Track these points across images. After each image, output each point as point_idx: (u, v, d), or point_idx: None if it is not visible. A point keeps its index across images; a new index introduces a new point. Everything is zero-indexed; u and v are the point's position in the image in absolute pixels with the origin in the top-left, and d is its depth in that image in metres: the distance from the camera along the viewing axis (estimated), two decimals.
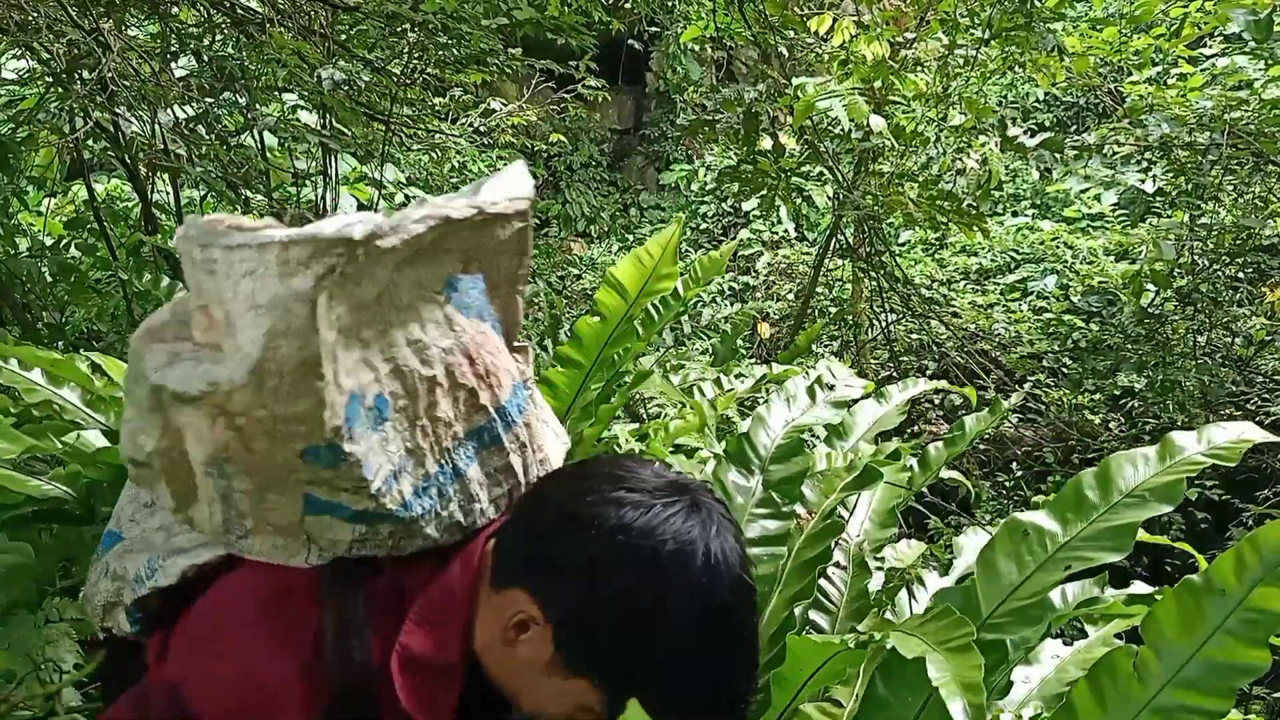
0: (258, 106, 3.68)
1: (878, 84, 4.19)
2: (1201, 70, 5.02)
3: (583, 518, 0.93)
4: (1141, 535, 1.76)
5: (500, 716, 1.01)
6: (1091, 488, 1.19)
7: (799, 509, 1.45)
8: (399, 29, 3.43)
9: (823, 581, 1.63)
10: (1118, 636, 1.53)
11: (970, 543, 1.82)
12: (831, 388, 1.80)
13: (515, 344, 1.21)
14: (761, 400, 1.82)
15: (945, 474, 2.05)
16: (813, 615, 1.57)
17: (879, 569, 1.76)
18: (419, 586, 1.01)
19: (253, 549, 1.01)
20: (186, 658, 0.99)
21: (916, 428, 5.14)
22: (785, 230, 8.48)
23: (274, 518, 0.98)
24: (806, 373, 2.28)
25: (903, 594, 1.67)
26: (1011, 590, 1.15)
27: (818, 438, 1.91)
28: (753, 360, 6.18)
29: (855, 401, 1.86)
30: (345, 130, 3.74)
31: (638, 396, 3.13)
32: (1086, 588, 1.41)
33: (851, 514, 1.80)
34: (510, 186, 1.10)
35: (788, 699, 1.16)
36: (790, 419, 1.62)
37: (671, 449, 2.57)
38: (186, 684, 0.97)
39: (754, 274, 7.91)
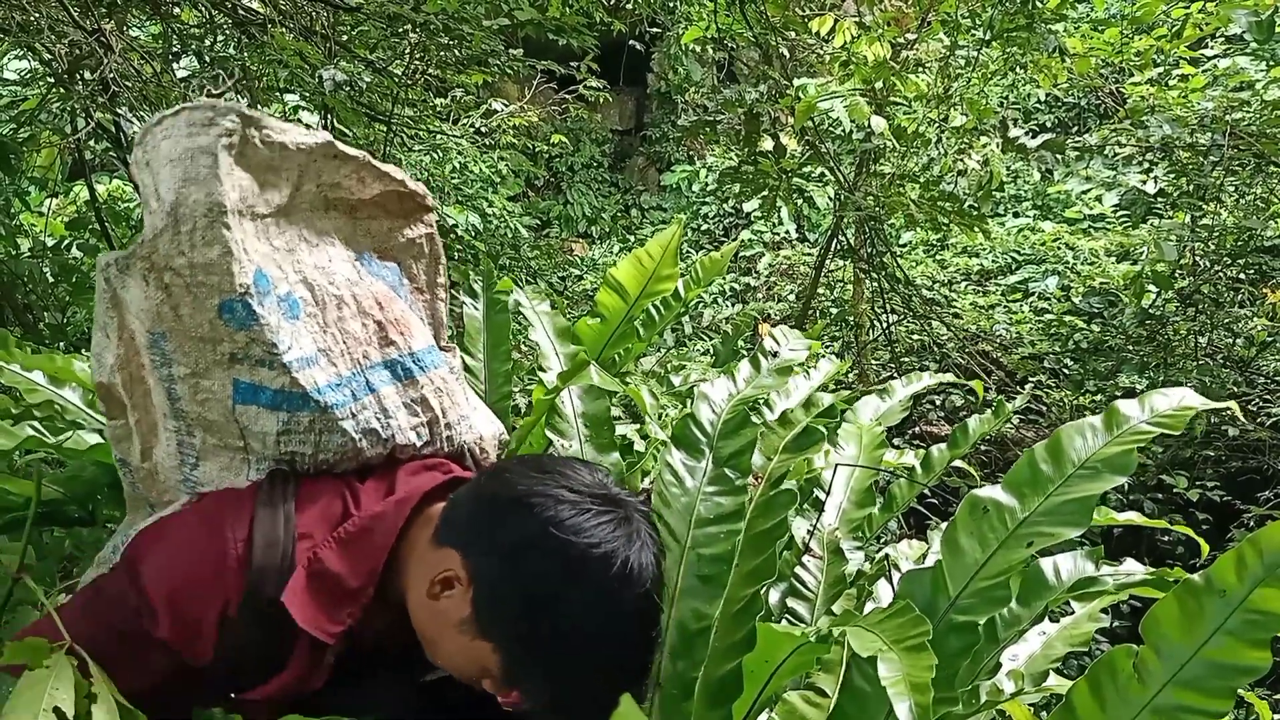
0: (259, 107, 3.68)
1: (879, 85, 4.19)
2: (1203, 71, 5.02)
3: (523, 504, 1.02)
4: (1138, 518, 1.77)
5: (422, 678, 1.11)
6: (1045, 460, 1.18)
7: (750, 479, 1.43)
8: (400, 30, 3.43)
9: (800, 570, 1.63)
10: (1104, 612, 1.52)
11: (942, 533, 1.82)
12: (775, 354, 1.78)
13: (443, 344, 1.36)
14: (708, 380, 1.81)
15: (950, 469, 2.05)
16: (791, 603, 1.57)
17: (859, 549, 1.75)
18: (353, 504, 1.10)
19: (205, 476, 1.13)
20: (135, 552, 1.06)
21: (918, 428, 5.14)
22: (786, 231, 8.48)
23: (210, 412, 1.10)
24: (807, 373, 2.29)
25: (882, 582, 1.66)
26: (976, 569, 1.15)
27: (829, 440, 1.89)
28: None
29: (801, 365, 1.82)
30: (347, 131, 3.74)
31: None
32: (1079, 563, 1.39)
33: (828, 494, 1.78)
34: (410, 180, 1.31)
35: (755, 690, 1.17)
36: (733, 391, 1.59)
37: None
38: (134, 575, 1.03)
39: (755, 275, 7.91)
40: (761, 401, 2.09)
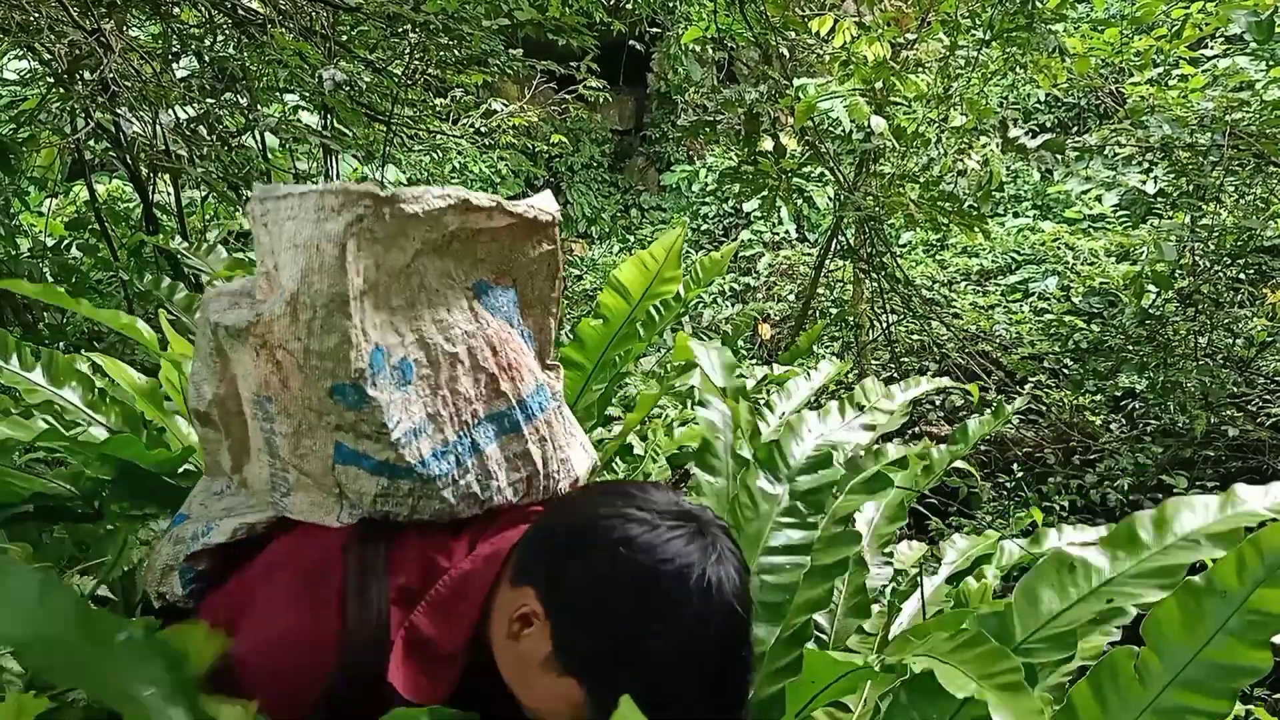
0: (259, 107, 3.68)
1: (879, 85, 4.18)
2: (1203, 71, 5.02)
3: (593, 529, 0.98)
4: None
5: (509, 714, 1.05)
6: (1145, 529, 1.17)
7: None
8: (400, 30, 3.43)
9: None
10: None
11: (956, 546, 1.83)
12: (861, 408, 1.81)
13: (548, 362, 1.32)
14: (791, 409, 1.81)
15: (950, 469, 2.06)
16: (814, 615, 1.58)
17: (887, 563, 1.76)
18: (443, 561, 1.08)
19: (294, 507, 1.12)
20: (228, 621, 1.04)
21: (918, 429, 5.14)
22: (786, 231, 8.48)
23: (309, 465, 1.09)
24: (808, 374, 2.28)
25: (913, 599, 1.66)
26: (1049, 619, 1.14)
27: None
28: (754, 361, 6.18)
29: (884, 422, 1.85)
30: (346, 131, 3.74)
31: (639, 396, 3.13)
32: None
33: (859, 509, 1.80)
34: (537, 201, 1.25)
35: (799, 707, 1.16)
36: (822, 432, 1.61)
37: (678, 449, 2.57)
38: (231, 664, 1.01)
39: (755, 275, 7.91)
40: (762, 402, 2.09)
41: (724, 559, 0.97)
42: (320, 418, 1.06)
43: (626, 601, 0.94)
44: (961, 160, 4.33)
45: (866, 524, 1.78)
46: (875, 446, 1.69)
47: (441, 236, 1.14)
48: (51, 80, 3.22)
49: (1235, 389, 4.77)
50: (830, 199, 5.36)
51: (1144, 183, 5.29)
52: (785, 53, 4.73)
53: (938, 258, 7.42)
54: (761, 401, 2.21)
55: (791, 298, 7.20)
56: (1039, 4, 3.97)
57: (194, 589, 1.18)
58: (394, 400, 1.07)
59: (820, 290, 6.34)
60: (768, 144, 4.29)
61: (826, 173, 4.77)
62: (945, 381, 2.29)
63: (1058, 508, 4.33)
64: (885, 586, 1.75)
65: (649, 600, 0.94)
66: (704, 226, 9.28)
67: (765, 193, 4.49)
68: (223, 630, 1.03)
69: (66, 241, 3.98)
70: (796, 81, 4.27)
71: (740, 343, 6.07)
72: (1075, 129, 8.23)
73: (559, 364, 1.35)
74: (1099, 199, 7.52)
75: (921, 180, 4.44)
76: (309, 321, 1.02)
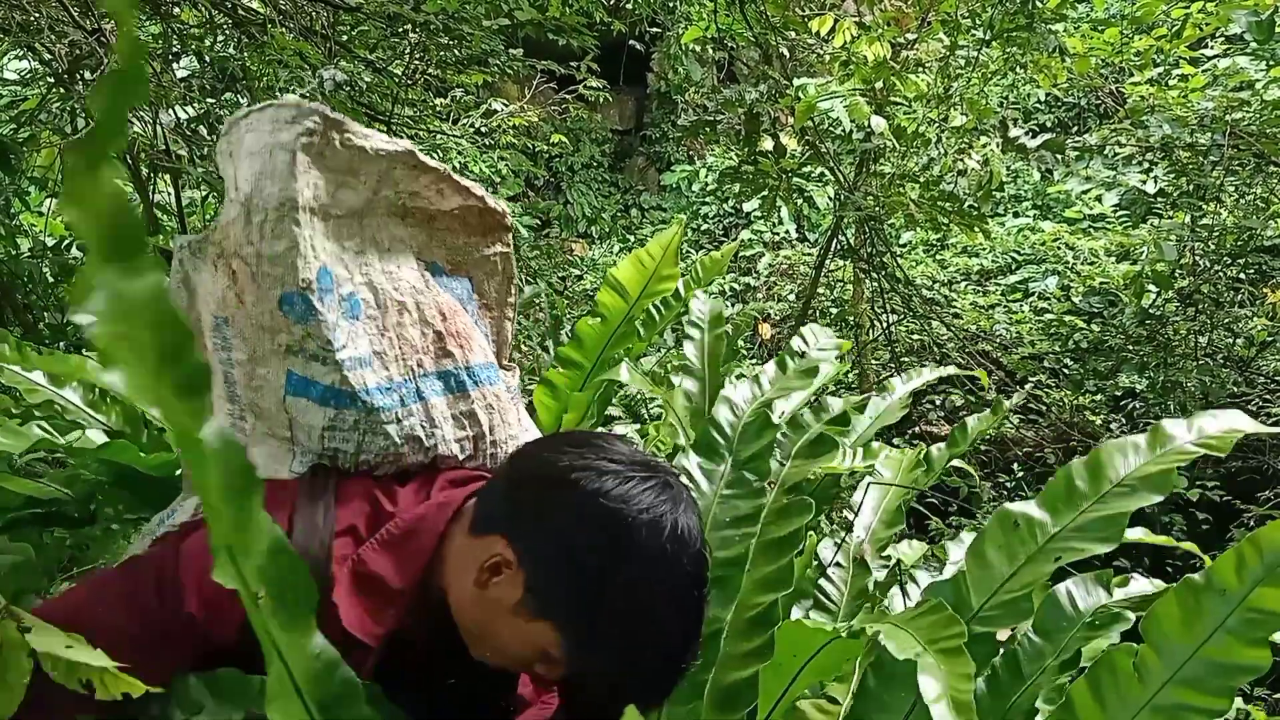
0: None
1: (879, 85, 4.18)
2: (1203, 71, 5.02)
3: (565, 479, 1.02)
4: (1145, 536, 1.76)
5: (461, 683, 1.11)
6: (1082, 477, 1.17)
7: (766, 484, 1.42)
8: (400, 30, 3.44)
9: (823, 581, 1.62)
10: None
11: (963, 545, 1.82)
12: (802, 355, 1.77)
13: (504, 363, 1.37)
14: (730, 381, 1.79)
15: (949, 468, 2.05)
16: (814, 615, 1.57)
17: (885, 566, 1.76)
18: (388, 506, 1.11)
19: (252, 462, 1.08)
20: (177, 538, 1.07)
21: (918, 428, 5.14)
22: (786, 231, 8.48)
23: (263, 400, 1.13)
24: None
25: (895, 589, 1.66)
26: (1002, 583, 1.15)
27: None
28: (754, 361, 6.18)
29: (860, 374, 1.81)
30: None
31: (639, 396, 3.13)
32: (1091, 589, 1.38)
33: (857, 514, 1.79)
34: (492, 197, 1.32)
35: (782, 686, 1.16)
36: (756, 394, 1.58)
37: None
38: (171, 556, 1.04)
39: (755, 275, 7.91)
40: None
41: (689, 508, 1.05)
42: (272, 338, 1.10)
43: (605, 548, 0.99)
44: (962, 160, 4.33)
45: (864, 528, 1.77)
46: (816, 402, 1.67)
47: (395, 201, 1.20)
48: (52, 80, 3.22)
49: (1235, 389, 4.77)
50: (830, 199, 5.37)
51: (1144, 182, 5.29)
52: (785, 52, 4.73)
53: (938, 257, 7.42)
54: (730, 381, 2.21)
55: (791, 297, 7.20)
56: (1039, 4, 3.97)
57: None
58: (340, 324, 1.11)
59: (820, 290, 6.34)
60: (768, 144, 4.29)
61: (827, 172, 4.77)
62: (945, 370, 2.27)
63: None
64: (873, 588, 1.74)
65: (626, 547, 0.99)
66: (704, 226, 9.28)
67: (765, 192, 4.49)
68: (175, 544, 1.05)
69: (67, 242, 3.98)
70: (797, 81, 4.27)
71: (740, 342, 6.07)
72: (1075, 129, 8.22)
73: (515, 366, 1.41)
74: (1099, 199, 7.52)
75: (922, 180, 4.44)
76: (260, 224, 1.07)
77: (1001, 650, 1.15)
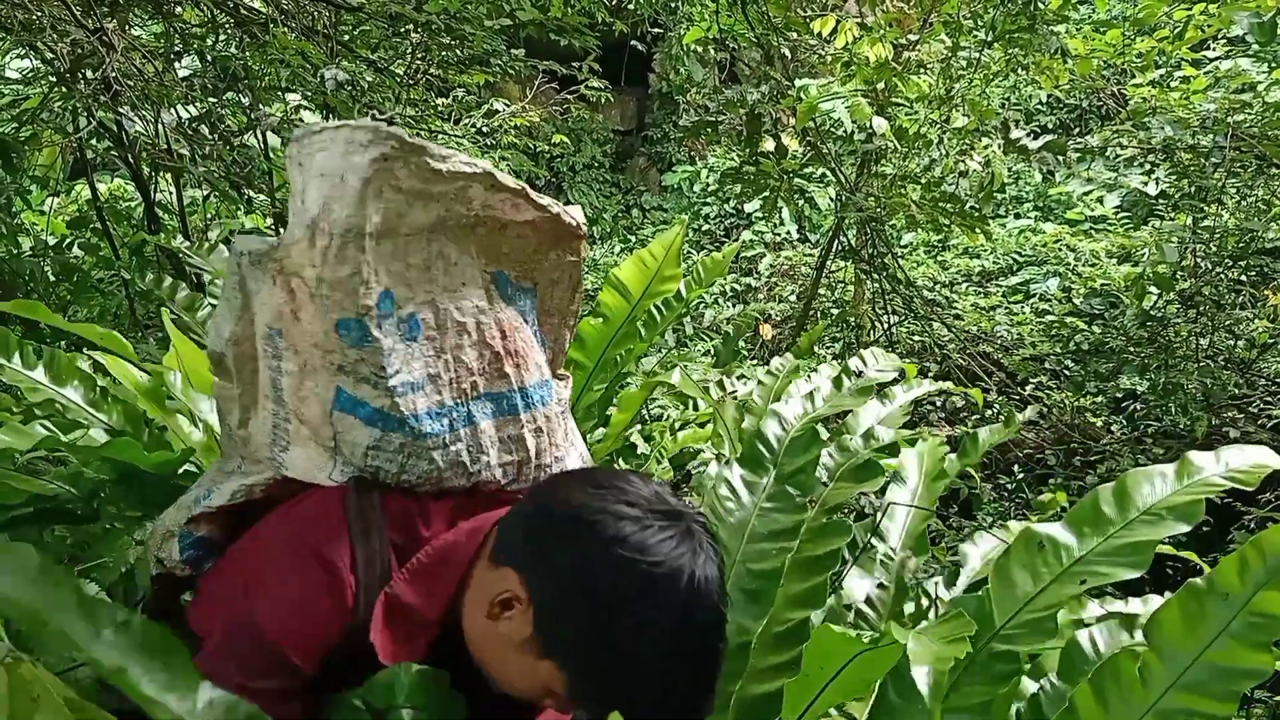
0: (261, 106, 3.68)
1: (881, 86, 4.18)
2: (1205, 73, 5.02)
3: (584, 521, 1.00)
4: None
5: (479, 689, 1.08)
6: (1109, 503, 1.17)
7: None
8: (402, 29, 3.44)
9: (862, 604, 1.60)
10: None
11: (976, 550, 1.80)
12: (859, 374, 1.76)
13: (559, 372, 1.35)
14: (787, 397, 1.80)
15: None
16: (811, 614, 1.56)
17: (913, 597, 1.73)
18: (422, 528, 1.10)
19: (291, 463, 1.14)
20: (243, 598, 1.06)
21: (918, 430, 5.13)
22: (787, 232, 8.48)
23: (308, 410, 1.12)
24: (809, 376, 2.28)
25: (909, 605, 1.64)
26: (1025, 602, 1.14)
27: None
28: (754, 362, 6.18)
29: (885, 386, 1.80)
30: None
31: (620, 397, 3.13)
32: (1115, 635, 1.36)
33: (882, 539, 1.76)
34: (570, 209, 1.29)
35: (809, 698, 1.15)
36: (808, 410, 1.58)
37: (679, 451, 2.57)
38: (252, 625, 1.03)
39: (756, 275, 7.90)
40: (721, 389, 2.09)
41: (709, 559, 1.01)
42: (324, 356, 1.09)
43: (618, 597, 0.97)
44: (963, 161, 4.33)
45: (891, 551, 1.74)
46: (868, 430, 1.66)
47: (468, 215, 1.17)
48: (54, 79, 3.22)
49: (1236, 391, 4.77)
50: (832, 200, 5.36)
51: (1145, 184, 5.29)
52: (787, 53, 4.73)
53: (939, 259, 7.41)
54: (724, 388, 2.22)
55: (793, 298, 7.20)
56: (1041, 5, 3.96)
57: (190, 555, 1.19)
58: (396, 349, 1.09)
59: (821, 291, 6.33)
60: (769, 144, 4.29)
61: (828, 173, 4.77)
62: (945, 385, 2.28)
63: (1059, 509, 4.33)
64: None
65: (640, 598, 0.97)
66: (705, 227, 9.28)
67: (767, 193, 4.49)
68: (232, 597, 1.06)
69: (68, 240, 3.98)
70: (798, 82, 4.27)
71: (741, 343, 6.07)
72: (1077, 130, 8.22)
73: (569, 375, 1.38)
74: (1100, 200, 7.51)
75: (923, 181, 4.44)
76: (325, 249, 1.05)
77: (1027, 697, 1.14)
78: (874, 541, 1.71)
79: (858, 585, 1.60)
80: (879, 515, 1.77)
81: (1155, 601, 1.48)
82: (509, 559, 1.03)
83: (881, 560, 1.65)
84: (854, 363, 1.80)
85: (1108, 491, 1.19)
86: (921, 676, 0.88)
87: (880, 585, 1.61)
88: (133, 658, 0.82)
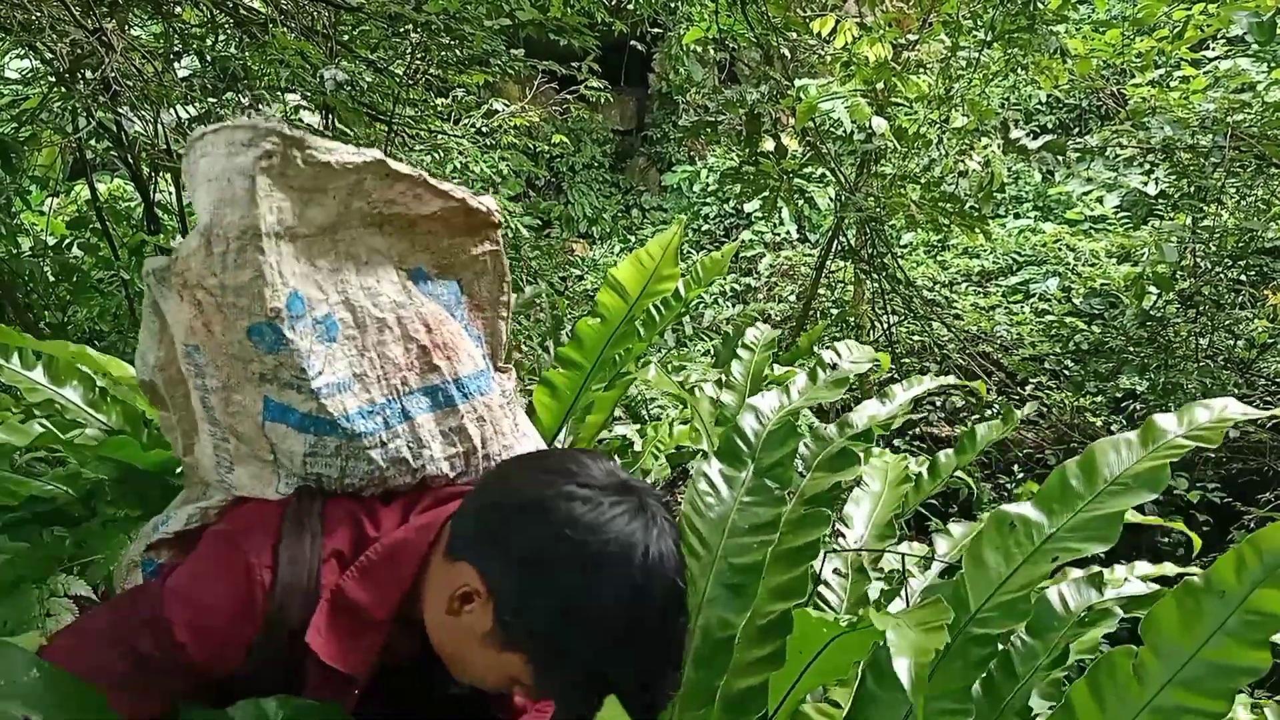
0: (260, 107, 3.68)
1: (880, 86, 4.18)
2: (1204, 73, 5.02)
3: (534, 506, 0.99)
4: (1135, 516, 1.76)
5: (438, 685, 1.09)
6: (1076, 476, 1.17)
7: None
8: (402, 29, 3.43)
9: (822, 588, 1.62)
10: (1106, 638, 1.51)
11: (950, 538, 1.82)
12: (834, 366, 1.76)
13: (500, 365, 1.33)
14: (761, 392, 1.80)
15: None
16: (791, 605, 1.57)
17: (879, 579, 1.75)
18: (371, 530, 1.09)
19: (238, 482, 1.14)
20: (165, 581, 1.07)
21: (918, 429, 5.14)
22: (787, 232, 8.48)
23: (242, 426, 1.10)
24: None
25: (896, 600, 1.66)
26: (999, 584, 1.14)
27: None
28: None
29: (860, 376, 1.80)
30: (348, 131, 3.74)
31: (639, 397, 3.13)
32: (1084, 591, 1.37)
33: (849, 524, 1.79)
34: (480, 197, 1.26)
35: (789, 683, 1.15)
36: (784, 403, 1.57)
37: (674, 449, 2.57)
38: (159, 603, 1.04)
39: (756, 275, 7.90)
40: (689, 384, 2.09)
41: (664, 533, 1.00)
42: (244, 366, 1.07)
43: (573, 580, 0.96)
44: (963, 161, 4.33)
45: (856, 540, 1.76)
46: (842, 419, 1.66)
47: (369, 211, 1.15)
48: (53, 79, 3.22)
49: (1236, 391, 4.76)
50: (831, 200, 5.36)
51: (1145, 184, 5.29)
52: (787, 53, 4.73)
53: (939, 259, 7.42)
54: (690, 382, 2.22)
55: (792, 298, 7.20)
56: (1040, 5, 3.96)
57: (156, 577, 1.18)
58: (315, 350, 1.07)
59: (821, 291, 6.34)
60: (769, 144, 4.30)
61: (828, 173, 4.77)
62: (948, 380, 2.28)
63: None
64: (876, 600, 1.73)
65: (595, 579, 0.96)
66: (705, 227, 9.28)
67: (766, 193, 4.49)
68: (163, 588, 1.05)
69: (68, 240, 3.98)
70: (798, 82, 4.27)
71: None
72: (1076, 130, 8.22)
73: (511, 368, 1.36)
74: (1100, 200, 7.52)
75: (923, 181, 4.44)
76: (222, 255, 1.02)
77: (996, 652, 1.14)
78: (839, 527, 1.72)
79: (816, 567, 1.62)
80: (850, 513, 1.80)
81: (1134, 584, 1.48)
82: (464, 552, 1.02)
83: (839, 550, 1.67)
84: (828, 355, 1.80)
85: (1074, 465, 1.19)
86: (903, 669, 0.89)
87: (836, 571, 1.62)
88: None
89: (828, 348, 1.84)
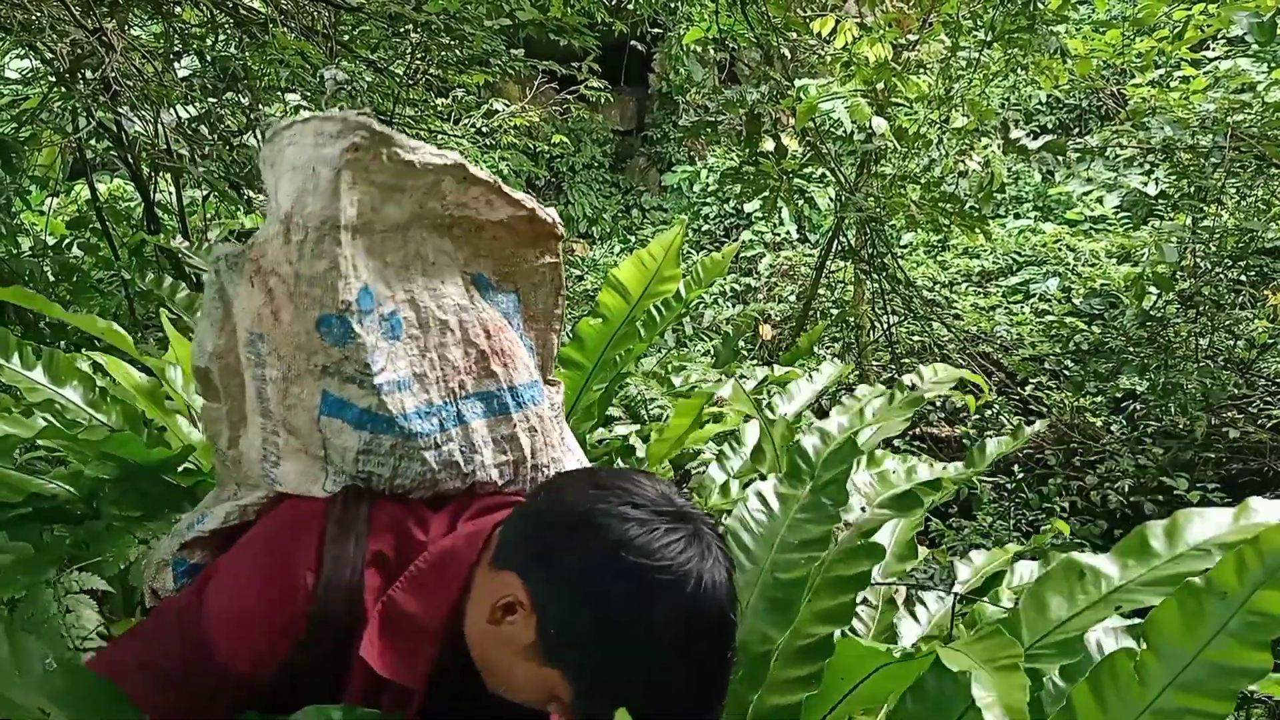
0: (260, 106, 3.68)
1: (880, 86, 4.18)
2: (1204, 73, 5.02)
3: (587, 524, 0.96)
4: None
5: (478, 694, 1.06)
6: (1158, 538, 1.17)
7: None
8: (402, 29, 3.44)
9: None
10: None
11: (970, 565, 1.80)
12: (913, 387, 1.75)
13: (550, 377, 1.32)
14: (793, 410, 1.77)
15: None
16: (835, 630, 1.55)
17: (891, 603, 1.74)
18: (419, 534, 1.07)
19: (283, 477, 1.12)
20: (206, 580, 1.06)
21: (919, 429, 5.14)
22: (787, 232, 8.48)
23: (296, 418, 1.09)
24: (811, 376, 2.28)
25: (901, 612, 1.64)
26: (1057, 625, 1.13)
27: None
28: (754, 362, 6.17)
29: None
30: None
31: (639, 397, 3.13)
32: (1120, 640, 1.32)
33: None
34: (545, 209, 1.26)
35: (826, 707, 1.12)
36: (854, 425, 1.57)
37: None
38: (200, 607, 1.03)
39: (756, 275, 7.90)
40: (764, 403, 2.08)
41: (717, 562, 0.97)
42: (308, 358, 1.06)
43: (622, 603, 0.93)
44: (963, 161, 4.33)
45: (878, 567, 1.75)
46: (910, 464, 1.65)
47: (442, 213, 1.15)
48: (53, 79, 3.22)
49: (1236, 391, 4.77)
50: (831, 200, 5.36)
51: (1145, 184, 5.29)
52: (787, 53, 4.73)
53: (939, 259, 7.42)
54: (764, 403, 2.20)
55: (792, 298, 7.19)
56: (1041, 5, 3.96)
57: (185, 584, 1.17)
58: (379, 346, 1.07)
59: (821, 291, 6.34)
60: (769, 145, 4.30)
61: (828, 173, 4.77)
62: (944, 366, 2.26)
63: (1058, 509, 4.33)
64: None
65: (646, 604, 0.93)
66: (705, 227, 9.28)
67: (766, 193, 4.49)
68: (196, 588, 1.04)
69: (68, 241, 3.98)
70: (798, 82, 4.27)
71: (741, 343, 6.07)
72: (1077, 130, 8.22)
73: (560, 381, 1.35)
74: (1100, 200, 7.52)
75: (923, 181, 4.44)
76: (300, 243, 1.03)
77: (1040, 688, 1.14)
78: None
79: None
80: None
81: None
82: (510, 562, 1.00)
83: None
84: (910, 378, 1.79)
85: (1158, 527, 1.18)
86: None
87: (866, 602, 1.61)
88: None
89: (913, 371, 1.83)
